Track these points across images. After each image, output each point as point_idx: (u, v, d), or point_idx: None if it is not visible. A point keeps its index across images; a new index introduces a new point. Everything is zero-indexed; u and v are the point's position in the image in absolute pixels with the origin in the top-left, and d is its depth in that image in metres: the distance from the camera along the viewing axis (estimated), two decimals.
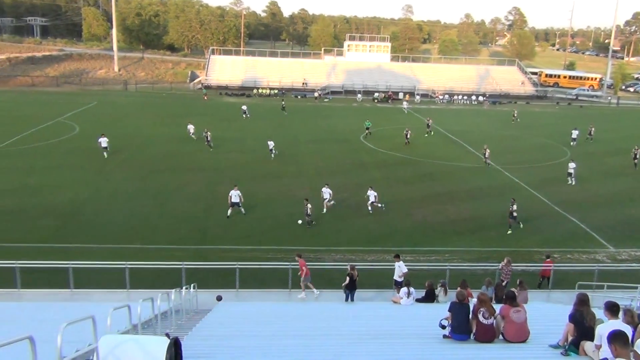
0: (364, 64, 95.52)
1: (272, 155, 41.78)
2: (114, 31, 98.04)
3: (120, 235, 25.95)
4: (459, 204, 32.90)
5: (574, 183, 37.22)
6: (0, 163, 37.80)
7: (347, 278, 18.57)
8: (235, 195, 28.81)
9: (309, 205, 27.98)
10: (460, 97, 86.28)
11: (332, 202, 30.37)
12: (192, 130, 47.56)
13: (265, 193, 33.32)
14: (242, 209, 29.25)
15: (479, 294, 10.67)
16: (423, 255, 24.93)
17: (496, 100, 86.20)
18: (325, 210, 30.12)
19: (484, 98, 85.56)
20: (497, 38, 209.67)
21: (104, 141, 39.49)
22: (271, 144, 42.06)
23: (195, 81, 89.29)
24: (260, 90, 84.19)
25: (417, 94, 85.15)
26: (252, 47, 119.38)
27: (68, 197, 31.16)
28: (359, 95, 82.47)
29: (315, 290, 19.93)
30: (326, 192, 30.33)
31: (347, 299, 18.68)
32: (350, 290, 18.66)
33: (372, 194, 30.51)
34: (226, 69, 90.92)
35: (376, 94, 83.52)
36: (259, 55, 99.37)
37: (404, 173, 39.26)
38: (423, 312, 14.50)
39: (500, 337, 10.24)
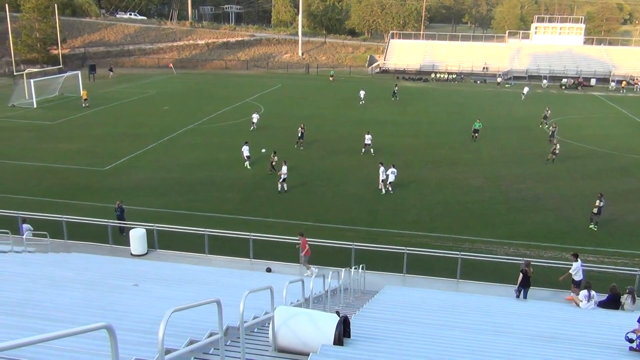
0: (552, 47, 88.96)
1: (370, 150, 37.54)
2: (300, 17, 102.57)
3: (296, 212, 27.31)
4: None
5: None
6: (197, 139, 41.81)
7: (521, 275, 17.63)
8: (246, 150, 30.83)
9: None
10: None
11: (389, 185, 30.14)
12: (255, 120, 44.34)
13: (437, 179, 32.83)
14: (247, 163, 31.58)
15: None
16: (608, 256, 22.79)
17: None
18: (384, 190, 30.15)
19: None
20: None
21: (246, 149, 34.38)
22: (368, 137, 37.66)
23: (373, 65, 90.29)
24: (437, 75, 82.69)
25: (613, 81, 77.41)
26: (432, 31, 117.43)
27: (251, 173, 33.48)
28: (545, 81, 77.22)
29: (308, 272, 19.73)
30: (392, 174, 30.04)
31: (518, 296, 17.77)
32: (524, 287, 17.70)
33: (383, 172, 30.17)
34: (405, 53, 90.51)
35: (564, 80, 77.53)
36: (438, 39, 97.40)
37: (592, 166, 36.08)
38: (606, 319, 13.28)
39: None
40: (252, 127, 44.09)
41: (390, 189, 30.10)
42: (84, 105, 53.24)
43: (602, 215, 26.29)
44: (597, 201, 26.03)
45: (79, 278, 12.99)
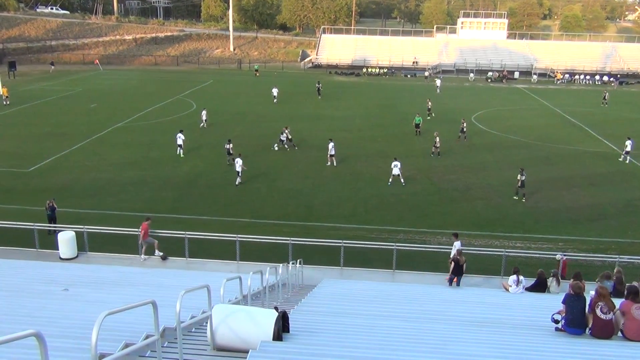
0: (477, 41, 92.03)
1: (281, 145, 37.76)
2: (230, 11, 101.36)
3: (232, 209, 27.07)
4: (576, 190, 31.08)
5: (626, 160, 36.63)
6: (126, 137, 40.61)
7: (452, 263, 18.21)
8: (179, 139, 34.65)
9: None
10: (582, 77, 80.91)
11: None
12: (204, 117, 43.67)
13: (372, 172, 33.31)
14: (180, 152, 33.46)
15: (597, 287, 10.03)
16: (534, 242, 23.87)
17: (624, 80, 79.98)
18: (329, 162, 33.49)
19: (611, 78, 79.52)
20: (626, 13, 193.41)
21: (179, 138, 35.65)
22: (283, 136, 37.70)
23: (305, 60, 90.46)
24: (369, 70, 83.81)
25: (535, 74, 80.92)
26: (363, 26, 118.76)
27: (184, 171, 32.90)
28: (472, 75, 79.82)
29: (142, 256, 20.64)
30: (394, 167, 31.12)
31: (451, 284, 18.32)
32: (457, 275, 18.27)
33: (332, 147, 33.92)
34: (336, 48, 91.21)
35: (490, 73, 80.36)
36: (369, 34, 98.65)
37: (517, 156, 37.58)
38: (533, 302, 13.90)
39: (619, 334, 9.61)
40: (202, 124, 43.43)
41: (402, 180, 31.01)
42: (5, 103, 50.67)
43: (528, 192, 28.13)
44: (519, 175, 28.81)
45: (2, 285, 12.37)
